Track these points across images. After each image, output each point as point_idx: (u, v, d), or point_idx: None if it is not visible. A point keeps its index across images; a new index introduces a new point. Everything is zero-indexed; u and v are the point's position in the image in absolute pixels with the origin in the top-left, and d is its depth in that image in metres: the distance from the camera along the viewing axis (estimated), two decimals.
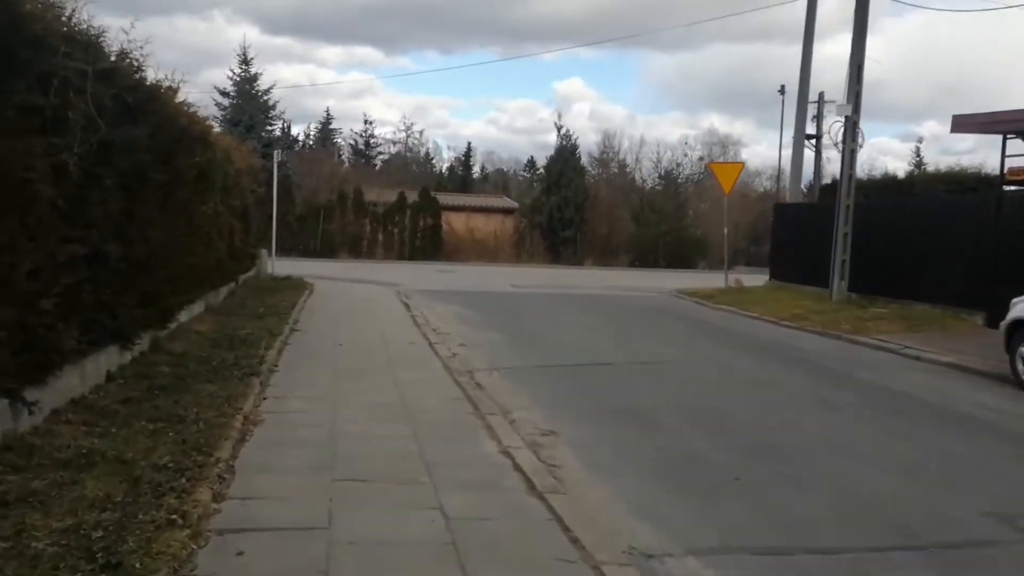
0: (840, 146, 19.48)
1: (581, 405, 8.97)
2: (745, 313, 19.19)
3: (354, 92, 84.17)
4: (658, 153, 47.14)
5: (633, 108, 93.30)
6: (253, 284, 20.04)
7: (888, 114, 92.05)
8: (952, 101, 74.87)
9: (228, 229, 15.25)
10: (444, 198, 41.62)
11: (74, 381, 7.03)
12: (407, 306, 17.75)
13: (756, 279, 26.44)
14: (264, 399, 7.91)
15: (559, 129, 41.64)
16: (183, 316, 12.06)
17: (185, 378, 8.57)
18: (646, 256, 40.67)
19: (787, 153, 25.83)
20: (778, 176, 25.18)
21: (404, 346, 12.10)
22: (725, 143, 47.61)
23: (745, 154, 71.68)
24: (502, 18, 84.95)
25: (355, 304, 17.88)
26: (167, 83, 9.86)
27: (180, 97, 10.68)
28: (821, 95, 39.02)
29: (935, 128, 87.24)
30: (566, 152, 40.70)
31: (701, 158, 46.49)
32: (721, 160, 44.55)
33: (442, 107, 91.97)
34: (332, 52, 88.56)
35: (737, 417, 8.66)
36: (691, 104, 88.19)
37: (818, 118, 39.64)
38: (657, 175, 48.05)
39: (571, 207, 39.59)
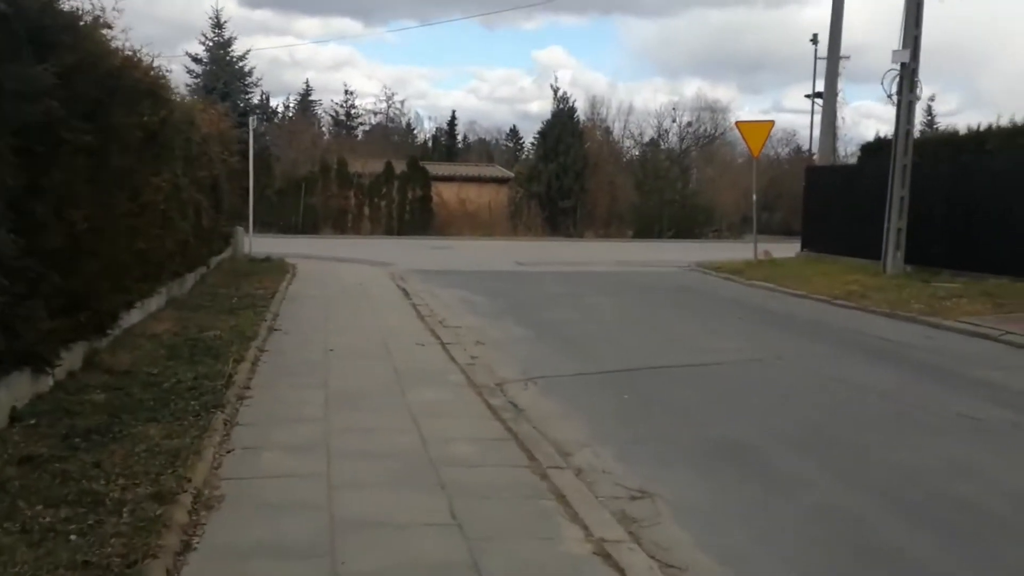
0: (895, 98, 17.12)
1: (659, 436, 6.70)
2: (788, 291, 16.91)
3: (334, 64, 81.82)
4: (661, 121, 44.19)
5: (614, 76, 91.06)
6: (228, 267, 17.61)
7: (867, 76, 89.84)
8: (939, 63, 72.46)
9: (194, 205, 12.80)
10: (433, 168, 38.97)
11: None
12: (405, 292, 15.38)
13: (780, 249, 24.18)
14: (228, 452, 5.54)
15: (555, 91, 38.80)
16: (134, 315, 9.69)
17: (121, 413, 6.23)
18: (650, 226, 38.22)
19: (795, 117, 23.50)
20: (811, 138, 22.75)
21: (411, 349, 9.74)
22: (714, 108, 44.95)
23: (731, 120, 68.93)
24: None
25: (345, 290, 15.48)
26: (95, 16, 7.41)
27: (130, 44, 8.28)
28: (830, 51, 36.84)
29: (933, 91, 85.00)
30: (563, 116, 37.88)
31: (689, 123, 44.05)
32: (746, 120, 42.19)
33: (422, 77, 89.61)
34: (310, 24, 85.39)
35: (880, 453, 6.37)
36: (673, 70, 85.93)
37: (828, 75, 37.49)
38: (643, 142, 45.47)
39: (570, 175, 36.92)
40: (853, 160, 27.01)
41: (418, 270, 20.09)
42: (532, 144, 58.20)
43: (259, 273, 16.97)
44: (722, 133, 43.52)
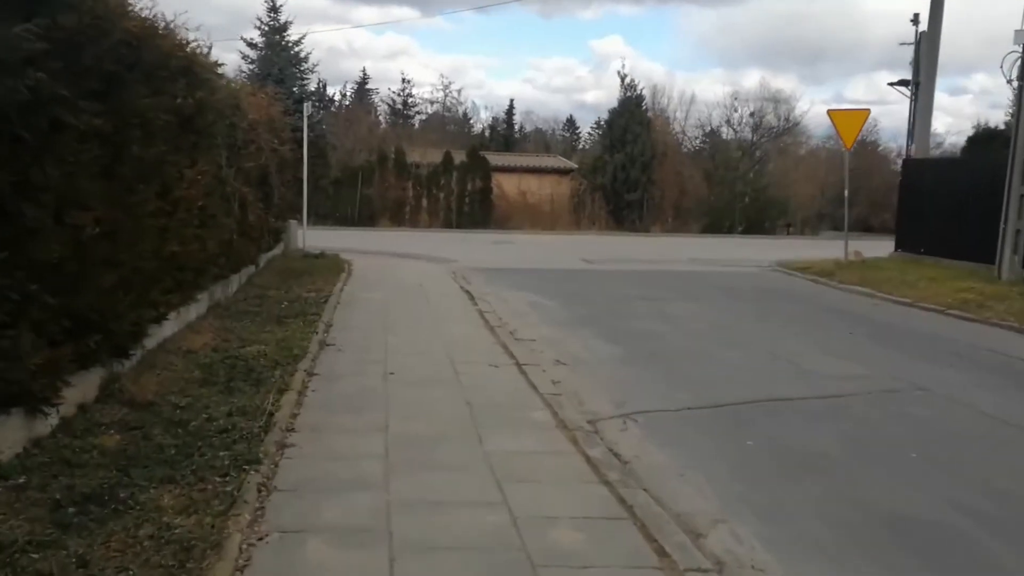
0: (1015, 83, 15.23)
1: (807, 508, 5.20)
2: (891, 298, 15.16)
3: (390, 53, 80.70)
4: (729, 111, 41.96)
5: (672, 66, 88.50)
6: (279, 265, 16.44)
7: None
8: (1001, 53, 68.82)
9: (240, 200, 11.59)
10: (493, 158, 37.48)
11: None
12: (469, 295, 14.00)
13: (866, 247, 22.28)
14: (260, 539, 4.18)
15: (622, 79, 36.89)
16: (168, 328, 8.47)
17: (133, 468, 4.98)
18: (721, 221, 36.33)
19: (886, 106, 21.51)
20: (911, 129, 20.78)
21: (483, 371, 8.34)
22: (777, 98, 42.59)
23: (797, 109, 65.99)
24: None
25: (404, 292, 14.15)
26: None
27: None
28: (920, 36, 34.47)
29: (984, 81, 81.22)
30: (631, 104, 36.05)
31: (752, 114, 41.86)
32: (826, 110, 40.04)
33: (478, 67, 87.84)
34: (368, 13, 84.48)
35: None
36: (732, 60, 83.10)
37: (926, 61, 35.16)
38: (710, 131, 43.34)
39: (637, 166, 35.15)
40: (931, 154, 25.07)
41: (480, 268, 18.74)
42: (589, 134, 57.00)
43: (312, 272, 15.76)
44: (796, 124, 41.42)
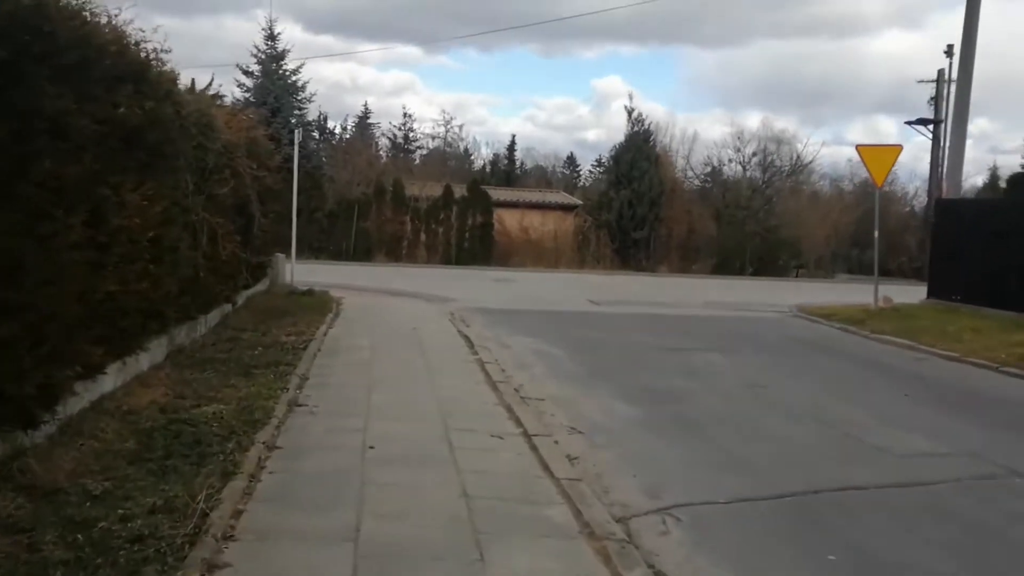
0: None
1: None
2: (935, 351, 13.67)
3: (394, 89, 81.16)
4: (739, 148, 40.58)
5: (672, 105, 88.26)
6: (261, 303, 14.99)
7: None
8: (999, 98, 67.93)
9: (209, 232, 10.18)
10: (495, 193, 36.19)
11: None
12: (468, 340, 12.55)
13: (892, 292, 20.85)
14: None
15: (630, 113, 35.58)
16: (107, 383, 7.02)
17: None
18: (731, 261, 34.90)
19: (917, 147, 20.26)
20: (937, 167, 19.45)
21: (485, 445, 6.86)
22: (780, 139, 41.23)
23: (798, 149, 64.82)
24: (544, 13, 79.58)
25: (395, 337, 12.69)
26: None
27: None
28: (941, 73, 33.39)
29: (984, 126, 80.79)
30: (638, 139, 34.73)
31: (754, 154, 40.50)
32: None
33: (480, 104, 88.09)
34: (372, 50, 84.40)
35: None
36: (732, 101, 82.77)
37: (936, 99, 33.97)
38: (718, 168, 42.01)
39: (644, 203, 33.73)
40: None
41: (480, 308, 17.31)
42: (590, 171, 56.15)
43: (297, 311, 14.31)
44: (808, 163, 40.11)
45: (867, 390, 10.69)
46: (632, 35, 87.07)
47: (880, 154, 18.05)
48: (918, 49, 78.10)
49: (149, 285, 7.57)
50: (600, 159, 56.74)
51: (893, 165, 18.56)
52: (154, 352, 8.64)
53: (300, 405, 7.65)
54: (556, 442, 7.06)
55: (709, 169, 41.57)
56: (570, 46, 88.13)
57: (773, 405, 9.31)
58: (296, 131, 19.33)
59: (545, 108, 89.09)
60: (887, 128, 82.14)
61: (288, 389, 8.04)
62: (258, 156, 13.50)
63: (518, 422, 7.61)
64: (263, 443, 6.16)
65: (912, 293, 20.75)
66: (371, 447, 6.44)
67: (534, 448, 6.75)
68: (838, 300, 22.32)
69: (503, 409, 8.16)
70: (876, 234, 18.59)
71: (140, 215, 7.05)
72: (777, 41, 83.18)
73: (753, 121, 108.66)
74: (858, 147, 18.46)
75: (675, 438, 7.65)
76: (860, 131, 76.77)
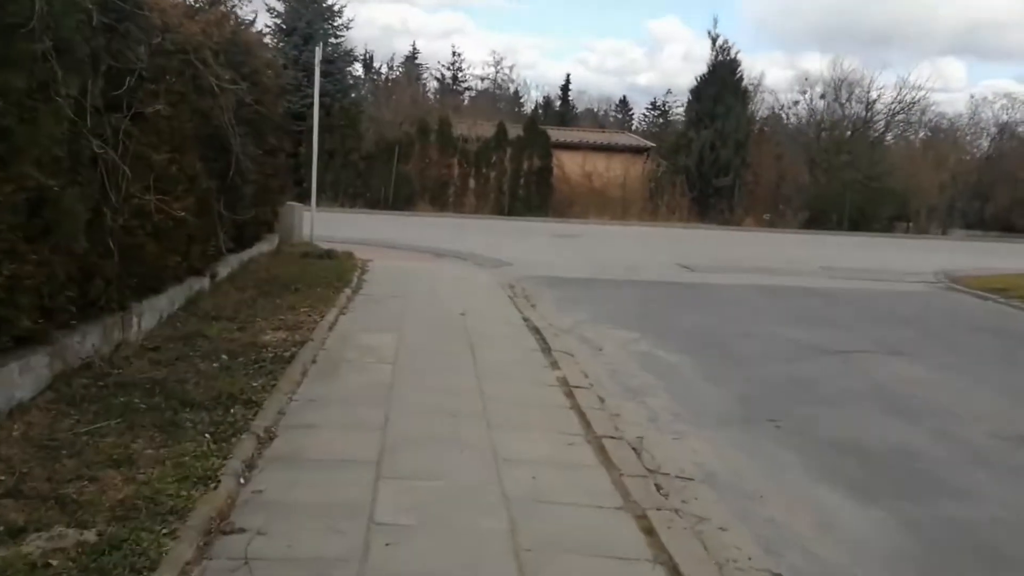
0: None
1: None
2: None
3: (444, 32, 77.82)
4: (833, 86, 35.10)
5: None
6: (261, 270, 11.25)
7: (1005, 56, 77.91)
8: None
9: (139, 175, 6.34)
10: (554, 133, 31.68)
11: None
12: (540, 336, 8.63)
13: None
14: None
15: (714, 40, 30.53)
16: None
17: None
18: (827, 214, 30.20)
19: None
20: None
21: None
22: (852, 81, 35.77)
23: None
24: None
25: (435, 332, 8.77)
26: None
27: None
28: None
29: None
30: (723, 70, 29.95)
31: (823, 96, 35.33)
32: None
33: (531, 47, 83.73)
34: None
35: None
36: (791, 43, 76.86)
37: None
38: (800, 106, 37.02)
39: (730, 145, 28.99)
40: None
41: (546, 277, 13.44)
42: (644, 115, 51.62)
43: (305, 283, 10.51)
44: (915, 102, 34.81)
45: None
46: None
47: None
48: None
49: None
50: (654, 102, 52.41)
51: None
52: (29, 377, 4.88)
53: (230, 533, 3.76)
54: None
55: (800, 103, 36.72)
56: None
57: None
58: (317, 48, 15.28)
59: (597, 51, 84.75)
60: (956, 72, 75.98)
61: (219, 480, 4.18)
62: (246, 68, 9.55)
63: (659, 543, 3.72)
64: None
65: None
66: None
67: None
68: (987, 265, 18.03)
69: (620, 499, 4.30)
70: None
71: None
72: None
73: (813, 64, 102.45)
74: None
75: None
76: (926, 75, 70.94)
